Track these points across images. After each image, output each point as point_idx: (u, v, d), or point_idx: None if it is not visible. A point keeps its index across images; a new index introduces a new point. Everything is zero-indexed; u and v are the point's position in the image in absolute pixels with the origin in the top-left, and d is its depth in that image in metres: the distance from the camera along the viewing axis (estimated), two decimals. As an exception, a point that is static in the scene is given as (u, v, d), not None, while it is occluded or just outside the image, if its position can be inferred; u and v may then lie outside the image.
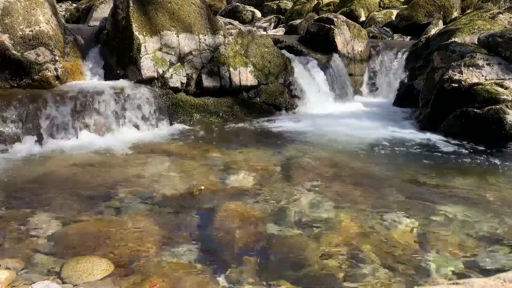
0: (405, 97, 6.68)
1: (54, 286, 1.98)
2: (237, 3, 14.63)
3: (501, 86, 4.89)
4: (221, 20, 6.92)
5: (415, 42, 7.66)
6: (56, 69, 4.76)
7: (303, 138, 4.96)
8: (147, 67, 5.25)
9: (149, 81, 5.30)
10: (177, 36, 5.53)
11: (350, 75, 7.31)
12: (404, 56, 7.54)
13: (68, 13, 12.26)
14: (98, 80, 5.26)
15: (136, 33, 5.22)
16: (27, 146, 4.16)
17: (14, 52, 4.49)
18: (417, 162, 4.24)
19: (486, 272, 2.23)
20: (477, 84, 4.96)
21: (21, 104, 4.29)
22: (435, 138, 4.95)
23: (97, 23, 6.81)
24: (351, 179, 3.64)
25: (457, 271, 2.25)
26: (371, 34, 9.00)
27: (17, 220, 2.69)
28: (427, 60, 6.26)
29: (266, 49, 6.28)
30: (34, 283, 2.01)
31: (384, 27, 9.95)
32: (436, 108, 5.27)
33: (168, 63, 5.43)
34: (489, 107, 4.66)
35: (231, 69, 5.82)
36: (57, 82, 4.79)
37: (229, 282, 2.12)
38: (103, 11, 8.63)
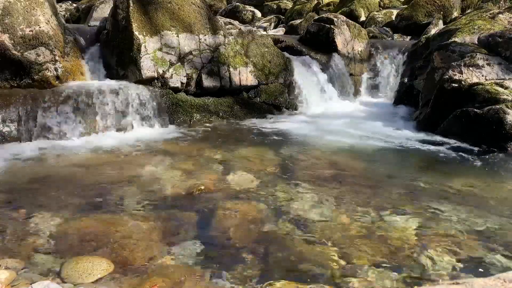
0: (405, 97, 6.68)
1: (54, 286, 1.98)
2: (237, 3, 14.62)
3: (501, 86, 4.89)
4: (221, 20, 6.92)
5: (415, 42, 7.65)
6: (56, 69, 4.76)
7: (303, 138, 4.96)
8: (147, 67, 5.25)
9: (149, 81, 5.30)
10: (177, 36, 5.53)
11: (350, 75, 7.30)
12: (404, 56, 7.54)
13: (68, 13, 12.26)
14: (98, 80, 5.26)
15: (136, 33, 5.22)
16: (27, 146, 4.16)
17: (14, 52, 4.49)
18: (417, 162, 4.24)
19: (486, 272, 2.23)
20: (477, 84, 4.95)
21: (21, 104, 4.30)
22: (435, 138, 4.95)
23: (97, 23, 6.81)
24: (351, 179, 3.64)
25: (457, 271, 2.25)
26: (371, 34, 8.99)
27: (17, 220, 2.69)
28: (427, 60, 6.25)
29: (266, 49, 6.28)
30: (34, 282, 2.01)
31: (384, 27, 9.94)
32: (436, 108, 5.27)
33: (168, 63, 5.43)
34: (489, 107, 4.66)
35: (231, 69, 5.82)
36: (57, 82, 4.79)
37: (229, 282, 2.12)
38: (103, 11, 8.63)
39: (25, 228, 2.59)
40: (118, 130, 4.80)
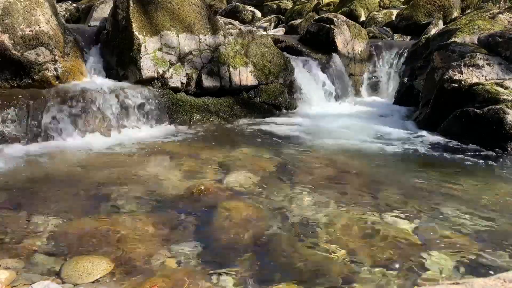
0: (405, 97, 6.68)
1: (54, 286, 1.98)
2: (237, 3, 14.63)
3: (501, 86, 4.89)
4: (221, 20, 6.91)
5: (415, 42, 7.65)
6: (56, 69, 4.76)
7: (303, 138, 4.96)
8: (147, 67, 5.25)
9: (149, 81, 5.30)
10: (177, 36, 5.53)
11: (350, 75, 7.30)
12: (404, 56, 7.54)
13: (68, 13, 12.26)
14: (98, 80, 5.25)
15: (136, 33, 5.22)
16: (27, 146, 4.16)
17: (14, 52, 4.48)
18: (417, 162, 4.24)
19: (486, 272, 2.23)
20: (477, 84, 4.96)
21: (21, 104, 4.30)
22: (435, 138, 4.95)
23: (97, 23, 6.80)
24: (350, 179, 3.64)
25: (457, 271, 2.25)
26: (371, 34, 8.99)
27: (17, 220, 2.69)
28: (427, 60, 6.26)
29: (266, 49, 6.28)
30: (34, 283, 2.01)
31: (384, 27, 9.95)
32: (436, 108, 5.27)
33: (168, 63, 5.43)
34: (489, 107, 4.66)
35: (231, 69, 5.82)
36: (57, 82, 4.79)
37: (229, 282, 2.12)
38: (103, 11, 8.62)
39: (25, 228, 2.59)
40: (118, 130, 4.80)
